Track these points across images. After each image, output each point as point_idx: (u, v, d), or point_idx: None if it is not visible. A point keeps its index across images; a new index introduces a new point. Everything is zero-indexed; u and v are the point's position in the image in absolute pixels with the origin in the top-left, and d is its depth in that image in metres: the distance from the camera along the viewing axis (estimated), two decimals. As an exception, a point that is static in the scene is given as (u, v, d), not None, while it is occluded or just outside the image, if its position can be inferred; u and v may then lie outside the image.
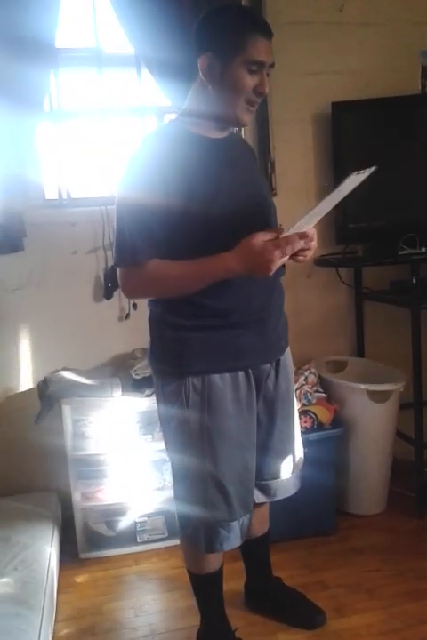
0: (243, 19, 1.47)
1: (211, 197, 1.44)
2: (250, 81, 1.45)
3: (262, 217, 1.55)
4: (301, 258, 1.49)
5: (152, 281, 1.49)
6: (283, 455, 1.75)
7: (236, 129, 2.37)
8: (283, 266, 1.59)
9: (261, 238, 1.39)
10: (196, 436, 1.55)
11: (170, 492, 2.35)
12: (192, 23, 2.32)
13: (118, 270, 1.53)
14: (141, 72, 2.63)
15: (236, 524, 1.62)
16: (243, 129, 2.65)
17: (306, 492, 1.90)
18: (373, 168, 1.36)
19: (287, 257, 1.41)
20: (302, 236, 1.41)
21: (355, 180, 1.34)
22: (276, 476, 1.75)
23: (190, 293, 1.48)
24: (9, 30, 2.23)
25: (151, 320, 1.62)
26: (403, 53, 2.78)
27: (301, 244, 1.40)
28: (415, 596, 2.03)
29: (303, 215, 1.36)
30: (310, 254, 1.50)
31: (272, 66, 1.50)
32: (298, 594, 1.99)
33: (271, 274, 1.40)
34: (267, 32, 1.47)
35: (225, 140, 1.57)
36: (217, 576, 1.76)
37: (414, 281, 2.39)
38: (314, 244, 1.49)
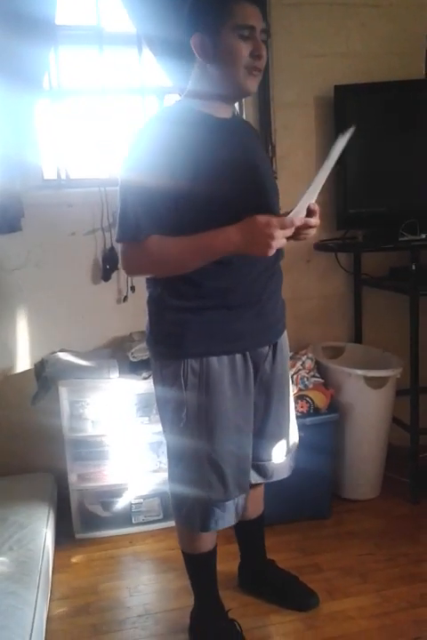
0: None
1: (215, 177, 1.43)
2: (244, 47, 1.42)
3: (266, 198, 1.55)
4: (302, 237, 1.49)
5: (154, 257, 1.45)
6: (278, 438, 1.76)
7: (238, 112, 2.36)
8: (282, 249, 1.60)
9: (265, 217, 1.37)
10: (193, 417, 1.56)
11: (165, 475, 2.38)
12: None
13: (120, 246, 1.52)
14: (142, 51, 2.60)
15: (231, 504, 1.64)
16: (244, 113, 2.63)
17: (301, 476, 1.91)
18: (352, 128, 1.34)
19: (288, 235, 1.37)
20: (312, 212, 1.43)
21: (342, 142, 1.32)
22: (271, 457, 1.76)
23: (192, 269, 1.45)
24: (8, 6, 2.20)
25: (150, 302, 1.61)
26: (407, 37, 2.74)
27: (301, 222, 1.38)
28: (408, 579, 2.05)
29: (304, 193, 1.36)
30: (313, 232, 1.50)
31: (265, 32, 1.46)
32: (291, 576, 2.01)
33: (270, 254, 1.37)
34: None
35: (230, 120, 1.57)
36: (211, 556, 1.78)
37: (413, 268, 2.38)
38: (316, 220, 1.47)
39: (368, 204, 2.66)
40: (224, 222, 1.41)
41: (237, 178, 1.47)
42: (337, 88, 2.60)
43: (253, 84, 1.49)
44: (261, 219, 1.36)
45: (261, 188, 1.55)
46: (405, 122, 2.66)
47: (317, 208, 1.46)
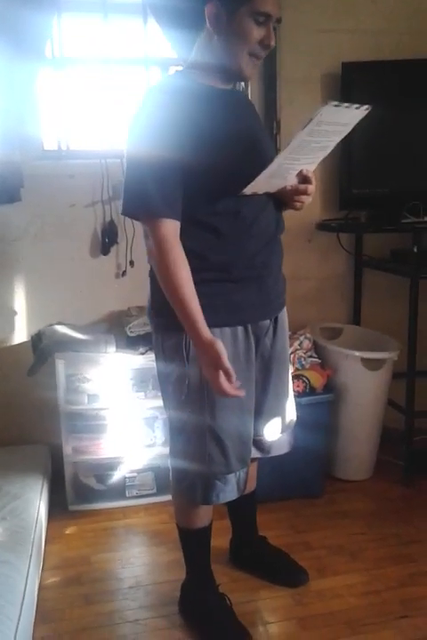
0: None
1: (218, 148, 1.43)
2: (256, 32, 1.43)
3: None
4: (298, 204, 1.53)
5: (162, 257, 1.42)
6: (277, 413, 1.77)
7: (241, 85, 2.32)
8: (282, 221, 1.63)
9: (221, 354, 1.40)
10: (195, 390, 1.56)
11: (160, 449, 2.40)
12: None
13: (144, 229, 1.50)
14: (147, 21, 2.55)
15: (232, 477, 1.64)
16: (250, 88, 2.58)
17: (295, 454, 1.92)
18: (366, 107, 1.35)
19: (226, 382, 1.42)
20: (306, 179, 1.47)
21: (333, 111, 1.30)
22: (269, 433, 1.77)
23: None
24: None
25: (152, 274, 1.59)
26: (417, 15, 2.70)
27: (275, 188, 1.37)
28: (398, 559, 2.08)
29: (280, 154, 1.36)
30: (308, 200, 1.53)
31: (279, 21, 1.47)
32: (282, 553, 2.03)
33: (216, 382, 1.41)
34: None
35: (231, 92, 1.57)
36: (206, 532, 1.79)
37: (415, 250, 2.36)
38: (312, 188, 1.50)
39: (372, 185, 2.63)
40: (224, 193, 1.42)
41: (240, 149, 1.47)
42: (345, 65, 2.56)
43: (251, 72, 1.51)
44: (216, 352, 1.40)
45: (263, 159, 1.50)
46: (412, 102, 2.62)
47: (310, 174, 1.48)
